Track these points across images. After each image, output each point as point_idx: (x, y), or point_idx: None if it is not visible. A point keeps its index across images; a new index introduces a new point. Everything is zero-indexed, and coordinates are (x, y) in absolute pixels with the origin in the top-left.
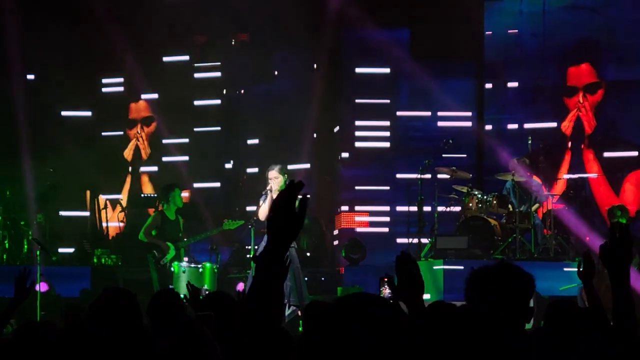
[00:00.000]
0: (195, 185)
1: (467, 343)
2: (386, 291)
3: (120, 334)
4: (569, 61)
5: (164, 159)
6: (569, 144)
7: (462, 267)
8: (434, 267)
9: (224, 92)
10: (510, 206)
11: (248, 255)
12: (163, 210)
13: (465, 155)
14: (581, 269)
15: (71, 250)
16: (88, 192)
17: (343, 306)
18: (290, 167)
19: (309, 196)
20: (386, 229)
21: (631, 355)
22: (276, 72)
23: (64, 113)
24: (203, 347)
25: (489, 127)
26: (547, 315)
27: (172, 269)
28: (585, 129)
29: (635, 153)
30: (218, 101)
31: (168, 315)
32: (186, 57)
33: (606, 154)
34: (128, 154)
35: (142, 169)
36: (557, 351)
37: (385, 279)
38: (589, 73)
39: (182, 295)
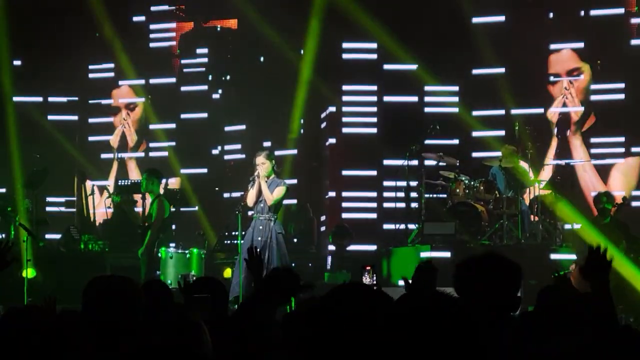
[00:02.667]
0: (182, 171)
1: (454, 331)
2: (367, 280)
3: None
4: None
5: (151, 144)
6: (555, 131)
7: (448, 254)
8: (421, 254)
9: (210, 78)
10: (497, 192)
11: (235, 241)
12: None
13: (452, 141)
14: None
15: (58, 236)
16: (75, 178)
17: (335, 298)
18: (277, 152)
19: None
20: (373, 215)
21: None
22: (262, 59)
23: (50, 98)
24: (193, 334)
25: (476, 112)
26: (538, 299)
27: (159, 254)
28: (572, 116)
29: (622, 139)
30: (204, 87)
31: (156, 304)
32: (172, 43)
33: (593, 140)
34: (114, 140)
35: (129, 154)
36: (547, 335)
37: (368, 267)
38: (570, 58)
39: (169, 282)
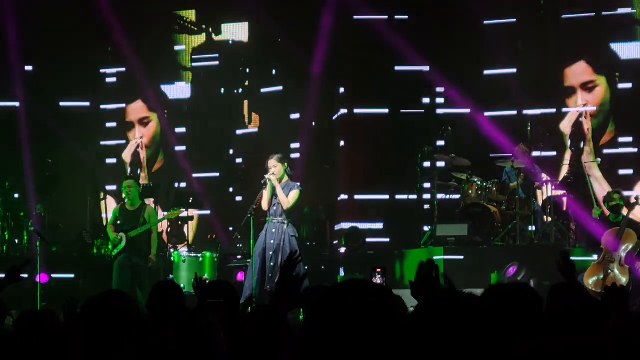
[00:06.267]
0: (195, 175)
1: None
2: (377, 281)
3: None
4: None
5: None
6: (569, 143)
7: (462, 257)
8: (435, 257)
9: (223, 81)
10: (511, 190)
11: (239, 245)
12: (124, 203)
13: (464, 142)
14: (561, 264)
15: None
16: (88, 183)
17: (341, 293)
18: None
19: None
20: (386, 217)
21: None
22: (275, 67)
23: (62, 104)
24: (207, 337)
25: (488, 113)
26: (549, 299)
27: (172, 258)
28: (585, 130)
29: (630, 139)
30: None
31: (169, 306)
32: (182, 47)
33: (606, 151)
34: (127, 156)
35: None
36: (559, 334)
37: (378, 270)
38: (584, 71)
39: (182, 285)
